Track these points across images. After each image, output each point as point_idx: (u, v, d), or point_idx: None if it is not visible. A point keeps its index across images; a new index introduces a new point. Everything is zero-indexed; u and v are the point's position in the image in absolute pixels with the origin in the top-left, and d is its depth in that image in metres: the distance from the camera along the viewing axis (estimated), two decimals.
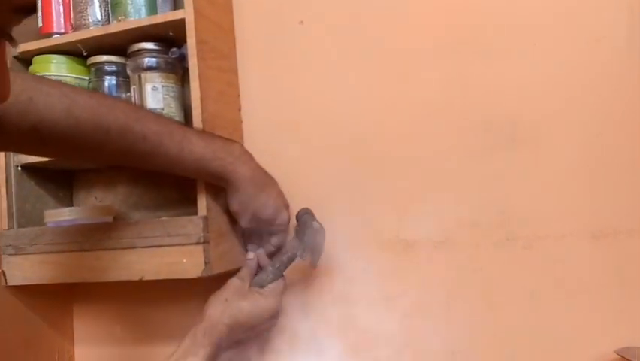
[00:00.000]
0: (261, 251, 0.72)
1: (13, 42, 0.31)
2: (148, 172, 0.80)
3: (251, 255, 0.70)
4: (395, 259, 0.69)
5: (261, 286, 0.67)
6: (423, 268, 0.68)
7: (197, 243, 0.65)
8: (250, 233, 0.71)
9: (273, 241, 0.72)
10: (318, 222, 0.68)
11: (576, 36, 0.64)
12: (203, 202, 0.66)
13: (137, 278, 0.67)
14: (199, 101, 0.66)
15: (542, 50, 0.65)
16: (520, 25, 0.66)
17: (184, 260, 0.65)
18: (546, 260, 0.63)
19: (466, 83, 0.67)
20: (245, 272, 0.68)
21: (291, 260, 0.68)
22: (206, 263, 0.64)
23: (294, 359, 0.74)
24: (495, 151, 0.66)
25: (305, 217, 0.69)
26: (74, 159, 0.67)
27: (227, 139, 0.67)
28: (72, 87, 0.59)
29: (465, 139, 0.67)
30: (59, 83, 0.56)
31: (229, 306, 0.63)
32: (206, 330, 0.61)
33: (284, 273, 0.69)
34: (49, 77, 0.70)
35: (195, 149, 0.61)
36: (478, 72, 0.67)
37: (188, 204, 0.77)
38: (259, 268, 0.70)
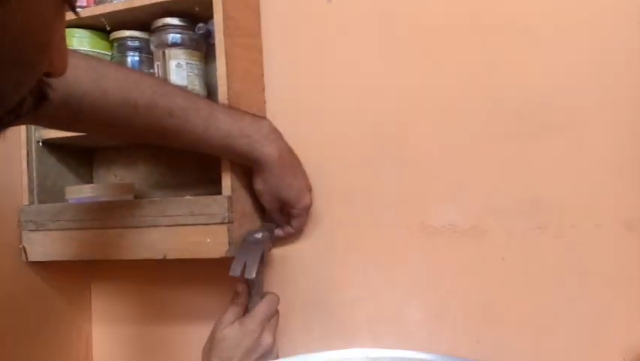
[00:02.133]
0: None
1: (76, 13, 0.31)
2: (169, 151, 0.80)
3: (240, 287, 0.65)
4: (420, 245, 0.68)
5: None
6: (449, 256, 0.67)
7: (222, 223, 0.64)
8: (271, 213, 0.70)
9: (293, 224, 0.71)
10: (261, 233, 0.65)
11: (614, 20, 0.61)
12: (227, 182, 0.65)
13: (160, 257, 0.66)
14: (225, 78, 0.65)
15: (577, 35, 0.63)
16: (555, 8, 0.64)
17: (208, 240, 0.64)
18: (578, 250, 0.61)
19: (498, 68, 0.65)
20: (229, 314, 0.63)
21: (250, 281, 0.64)
22: (230, 243, 0.64)
23: (318, 346, 0.73)
24: (527, 138, 0.64)
25: (246, 234, 0.66)
26: (104, 135, 0.66)
27: (256, 116, 0.65)
28: (99, 60, 0.58)
29: (496, 125, 0.65)
30: (86, 56, 0.55)
31: (212, 349, 0.61)
32: None
33: (262, 295, 0.66)
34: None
35: (222, 126, 0.60)
36: (509, 57, 0.65)
37: (209, 184, 0.76)
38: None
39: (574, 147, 0.62)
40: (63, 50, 0.31)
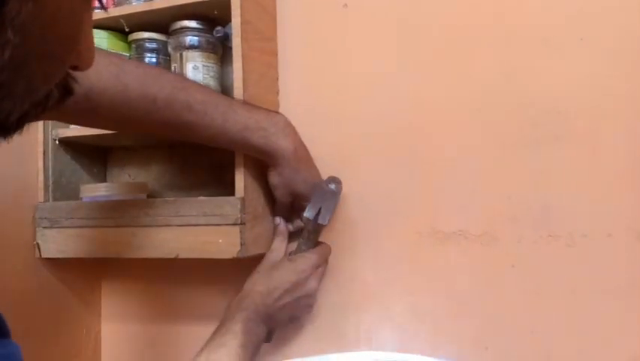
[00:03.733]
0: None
1: (104, 8, 0.32)
2: (182, 152, 0.81)
3: (277, 219, 0.70)
4: (430, 251, 0.68)
5: None
6: (459, 262, 0.67)
7: (234, 224, 0.64)
8: (282, 207, 0.71)
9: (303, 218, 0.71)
10: (334, 184, 0.67)
11: (632, 30, 0.62)
12: (240, 183, 0.66)
13: (172, 256, 0.67)
14: (241, 82, 0.66)
15: (593, 45, 0.63)
16: (572, 17, 0.64)
17: (220, 240, 0.65)
18: (589, 259, 0.61)
19: (513, 76, 0.66)
20: (277, 242, 0.69)
21: (314, 226, 0.67)
22: (241, 244, 0.64)
23: (323, 350, 0.73)
24: (540, 146, 0.64)
25: (320, 182, 0.69)
26: (124, 130, 0.67)
27: (270, 110, 0.66)
28: (119, 56, 0.59)
29: (509, 132, 0.66)
30: (107, 52, 0.56)
31: (261, 276, 0.65)
32: (240, 299, 0.63)
33: (316, 240, 0.69)
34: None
35: (240, 119, 0.61)
36: (525, 65, 0.65)
37: (221, 185, 0.77)
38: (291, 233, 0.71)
39: (587, 156, 0.62)
40: (90, 44, 0.32)
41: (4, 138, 0.29)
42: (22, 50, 0.25)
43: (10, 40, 0.24)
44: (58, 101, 0.32)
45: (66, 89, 0.32)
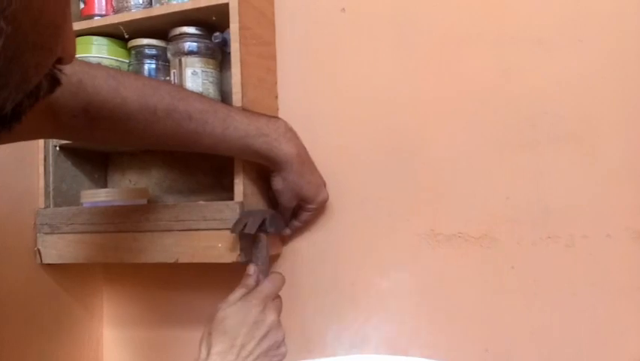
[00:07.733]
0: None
1: None
2: (182, 157, 0.82)
3: (251, 269, 0.63)
4: (429, 253, 0.68)
5: None
6: (458, 264, 0.67)
7: None
8: (286, 212, 0.70)
9: (302, 218, 0.72)
10: (262, 230, 0.64)
11: (628, 30, 0.62)
12: (240, 188, 0.66)
13: (172, 261, 0.67)
14: (239, 86, 0.66)
15: (590, 46, 0.63)
16: (569, 19, 0.64)
17: (219, 245, 0.65)
18: (589, 260, 0.62)
19: (511, 77, 0.66)
20: (237, 294, 0.60)
21: (251, 239, 0.64)
22: (241, 249, 0.64)
23: (321, 354, 0.73)
24: (539, 147, 0.64)
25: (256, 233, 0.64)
26: (124, 143, 0.67)
27: (271, 116, 0.67)
28: (117, 70, 0.60)
29: (508, 133, 0.66)
30: (104, 67, 0.57)
31: (215, 333, 0.57)
32: None
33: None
34: (90, 59, 0.71)
35: (240, 126, 0.61)
36: (523, 66, 0.66)
37: (221, 190, 0.77)
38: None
39: (586, 157, 0.62)
40: (72, 37, 0.33)
41: (2, 128, 0.30)
42: (15, 39, 0.26)
43: (3, 29, 0.25)
44: (48, 91, 0.33)
45: (54, 80, 0.33)
